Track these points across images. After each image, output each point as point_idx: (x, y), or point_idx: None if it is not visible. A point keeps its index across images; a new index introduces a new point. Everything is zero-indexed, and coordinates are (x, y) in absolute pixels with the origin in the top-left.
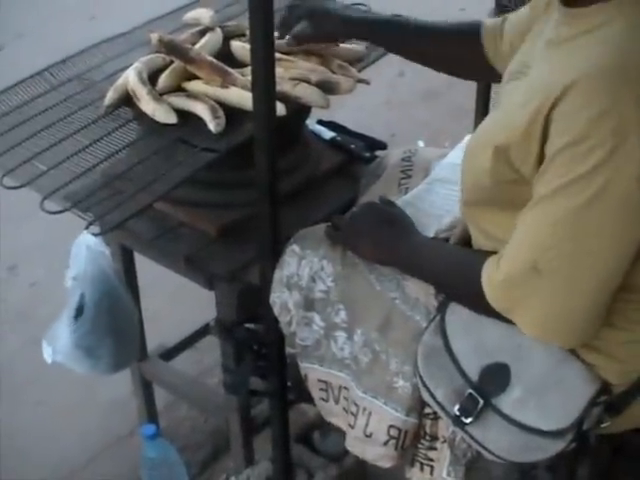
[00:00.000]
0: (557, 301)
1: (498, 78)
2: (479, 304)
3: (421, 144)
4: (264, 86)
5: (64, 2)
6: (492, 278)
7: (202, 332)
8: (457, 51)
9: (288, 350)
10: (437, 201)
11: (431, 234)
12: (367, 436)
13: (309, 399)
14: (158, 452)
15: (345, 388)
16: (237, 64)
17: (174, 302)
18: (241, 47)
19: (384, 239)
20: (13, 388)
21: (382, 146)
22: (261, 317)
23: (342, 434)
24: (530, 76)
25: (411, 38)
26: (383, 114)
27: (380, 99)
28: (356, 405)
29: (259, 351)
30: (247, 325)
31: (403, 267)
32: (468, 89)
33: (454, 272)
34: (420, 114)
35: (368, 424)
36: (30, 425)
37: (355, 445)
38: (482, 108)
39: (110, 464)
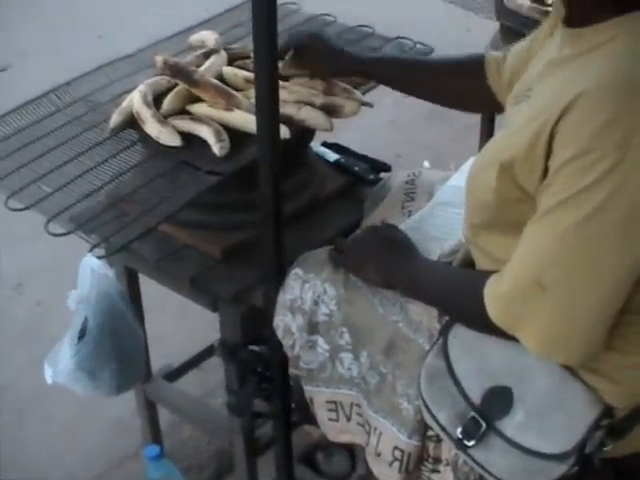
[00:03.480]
0: (560, 317)
1: (501, 109)
2: (483, 323)
3: (427, 165)
4: (268, 109)
5: (71, 21)
6: (495, 294)
7: (206, 353)
8: (460, 84)
9: (292, 372)
10: (440, 225)
11: (434, 258)
12: (377, 455)
13: (313, 421)
14: (162, 473)
15: (357, 405)
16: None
17: (178, 323)
18: (232, 73)
19: (386, 263)
20: (18, 406)
21: (386, 168)
22: (265, 339)
23: (346, 455)
24: (532, 97)
25: (410, 73)
26: (388, 135)
27: (385, 119)
28: (368, 424)
29: (263, 373)
30: (251, 347)
31: (406, 290)
32: None
33: (457, 293)
34: (425, 135)
35: (378, 443)
36: (34, 443)
37: (371, 462)
38: (487, 129)
39: None
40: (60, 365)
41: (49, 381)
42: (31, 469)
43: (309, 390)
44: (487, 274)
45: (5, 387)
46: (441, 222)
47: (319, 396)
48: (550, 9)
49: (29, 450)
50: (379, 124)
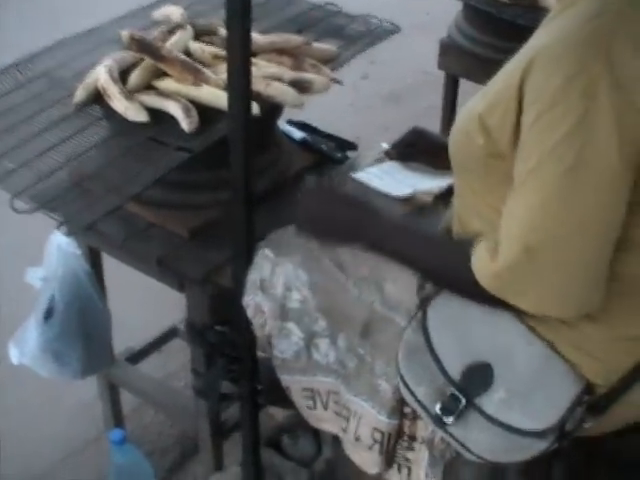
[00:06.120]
0: (556, 273)
1: None
2: (475, 293)
3: (385, 146)
4: (240, 85)
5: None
6: (488, 270)
7: (169, 335)
8: None
9: (259, 354)
10: (412, 176)
11: (408, 190)
12: (356, 440)
13: (280, 403)
14: (125, 457)
15: (334, 392)
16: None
17: (139, 304)
18: (199, 49)
19: (349, 219)
20: None
21: (353, 147)
22: (232, 320)
23: (312, 439)
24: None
25: None
26: (347, 116)
27: (344, 101)
28: (347, 409)
29: (230, 355)
30: (218, 328)
31: (375, 246)
32: (431, 92)
33: (442, 262)
34: (384, 117)
35: (358, 427)
36: None
37: (349, 449)
38: (449, 111)
39: (77, 469)
40: (27, 346)
41: (15, 362)
42: None
43: (285, 379)
44: (469, 244)
45: None
46: (414, 175)
47: (296, 384)
48: None
49: None
50: (338, 106)
